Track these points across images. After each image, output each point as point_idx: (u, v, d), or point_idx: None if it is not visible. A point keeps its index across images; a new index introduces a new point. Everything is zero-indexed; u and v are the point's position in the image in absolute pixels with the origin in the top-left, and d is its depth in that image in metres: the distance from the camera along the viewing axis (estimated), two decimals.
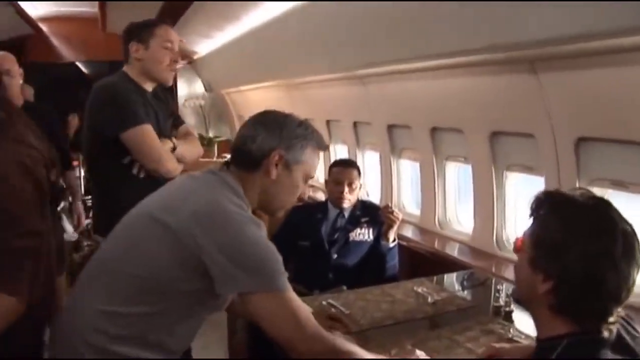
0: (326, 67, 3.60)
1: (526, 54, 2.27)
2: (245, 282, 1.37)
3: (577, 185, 2.31)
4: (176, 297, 1.44)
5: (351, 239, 2.83)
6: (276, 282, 1.39)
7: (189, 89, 7.55)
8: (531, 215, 1.21)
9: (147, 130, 2.24)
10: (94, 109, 2.27)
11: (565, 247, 1.11)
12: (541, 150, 2.46)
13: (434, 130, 3.21)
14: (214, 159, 7.22)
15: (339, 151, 4.63)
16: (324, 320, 1.84)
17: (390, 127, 3.67)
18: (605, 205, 1.16)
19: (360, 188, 2.90)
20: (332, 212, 2.88)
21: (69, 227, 3.74)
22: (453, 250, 3.10)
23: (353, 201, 2.86)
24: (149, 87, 2.39)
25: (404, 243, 3.14)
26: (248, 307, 1.41)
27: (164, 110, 2.50)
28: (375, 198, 4.07)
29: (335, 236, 2.84)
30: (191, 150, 2.50)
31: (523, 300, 1.26)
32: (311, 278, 2.75)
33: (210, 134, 7.52)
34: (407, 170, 3.78)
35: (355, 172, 2.85)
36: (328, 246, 2.82)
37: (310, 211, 2.94)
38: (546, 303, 1.16)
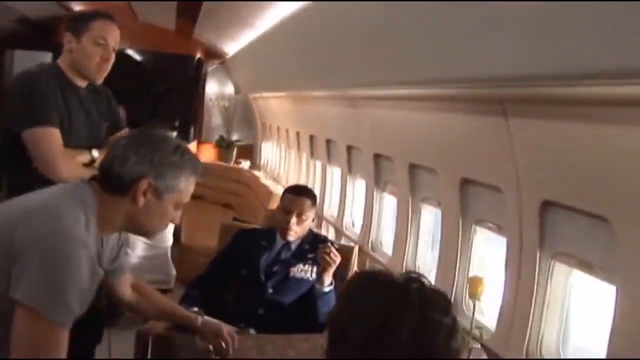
0: (315, 83, 3.31)
1: (496, 93, 1.92)
2: (33, 293, 1.24)
3: (537, 257, 1.93)
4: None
5: (292, 274, 2.51)
6: (57, 312, 1.25)
7: (219, 89, 7.41)
8: None
9: (49, 133, 2.07)
10: (9, 99, 2.15)
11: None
12: (507, 208, 2.08)
13: (412, 166, 2.84)
14: (231, 164, 7.06)
15: (335, 174, 4.32)
16: None
17: (377, 157, 3.32)
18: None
19: (312, 219, 2.59)
20: (279, 242, 2.57)
21: None
22: None
23: (300, 234, 2.54)
24: (81, 82, 2.22)
25: None
26: (16, 315, 1.24)
27: (103, 109, 2.31)
28: (358, 230, 3.75)
29: (275, 269, 2.53)
30: None
31: None
32: (242, 311, 2.47)
33: (234, 137, 7.34)
34: (392, 207, 3.42)
35: (308, 202, 2.54)
36: (264, 278, 2.51)
37: (257, 237, 2.64)
38: None
